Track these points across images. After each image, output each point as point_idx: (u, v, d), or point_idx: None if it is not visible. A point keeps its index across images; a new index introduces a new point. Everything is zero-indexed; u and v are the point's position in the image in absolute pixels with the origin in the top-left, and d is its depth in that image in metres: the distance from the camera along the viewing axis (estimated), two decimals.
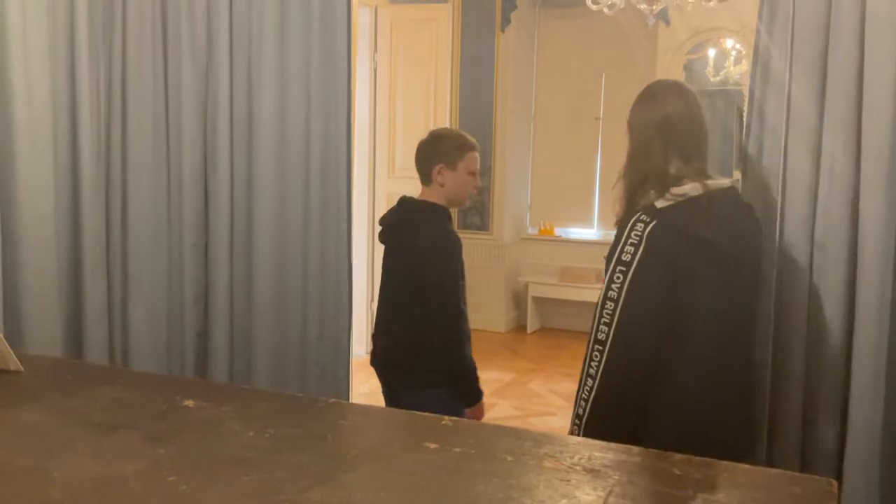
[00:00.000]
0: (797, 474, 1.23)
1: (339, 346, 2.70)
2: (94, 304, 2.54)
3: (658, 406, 1.75)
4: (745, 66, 5.69)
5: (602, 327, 1.73)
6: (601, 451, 1.30)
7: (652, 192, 1.85)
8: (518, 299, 6.92)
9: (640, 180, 1.89)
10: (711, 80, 6.03)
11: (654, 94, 1.97)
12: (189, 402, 1.51)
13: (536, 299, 6.79)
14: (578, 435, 1.73)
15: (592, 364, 1.74)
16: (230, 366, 2.68)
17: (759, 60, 2.07)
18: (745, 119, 2.14)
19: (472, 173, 2.46)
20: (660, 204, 1.81)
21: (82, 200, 2.54)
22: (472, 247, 6.73)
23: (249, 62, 2.65)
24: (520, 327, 6.87)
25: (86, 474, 1.18)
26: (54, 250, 2.47)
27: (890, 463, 1.87)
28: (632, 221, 1.81)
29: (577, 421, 1.78)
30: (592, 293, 6.41)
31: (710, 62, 6.05)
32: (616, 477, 1.20)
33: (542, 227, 6.99)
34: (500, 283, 6.74)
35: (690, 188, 1.81)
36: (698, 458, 1.25)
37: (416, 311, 2.35)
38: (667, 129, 1.88)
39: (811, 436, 1.99)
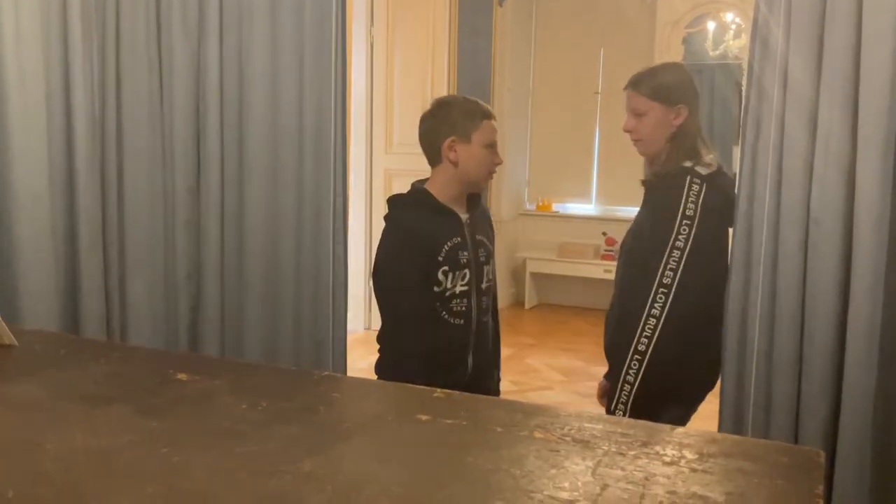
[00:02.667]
0: (786, 444, 1.24)
1: (336, 321, 2.70)
2: (90, 281, 2.54)
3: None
4: (744, 39, 5.64)
5: (668, 272, 2.01)
6: (591, 423, 1.31)
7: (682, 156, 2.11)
8: (516, 275, 6.93)
9: (682, 143, 2.12)
10: (710, 54, 5.99)
11: (677, 63, 2.31)
12: (182, 376, 1.52)
13: (535, 275, 6.80)
14: (639, 371, 2.02)
15: (656, 305, 2.01)
16: (221, 341, 2.69)
17: (758, 34, 2.05)
18: (743, 93, 2.14)
19: (491, 146, 2.13)
20: (703, 171, 2.08)
21: (77, 178, 2.53)
22: None
23: (240, 37, 2.63)
24: (518, 303, 6.88)
25: (79, 447, 1.19)
26: (49, 228, 2.47)
27: (882, 433, 1.88)
28: (688, 181, 2.05)
29: (637, 356, 2.02)
30: (591, 269, 6.48)
31: (710, 36, 6.00)
32: (605, 447, 1.21)
33: (540, 203, 6.99)
34: (498, 259, 6.70)
35: (713, 158, 2.13)
36: (688, 429, 1.26)
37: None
38: (696, 97, 2.21)
39: (806, 408, 1.99)
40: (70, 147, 2.52)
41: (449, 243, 2.09)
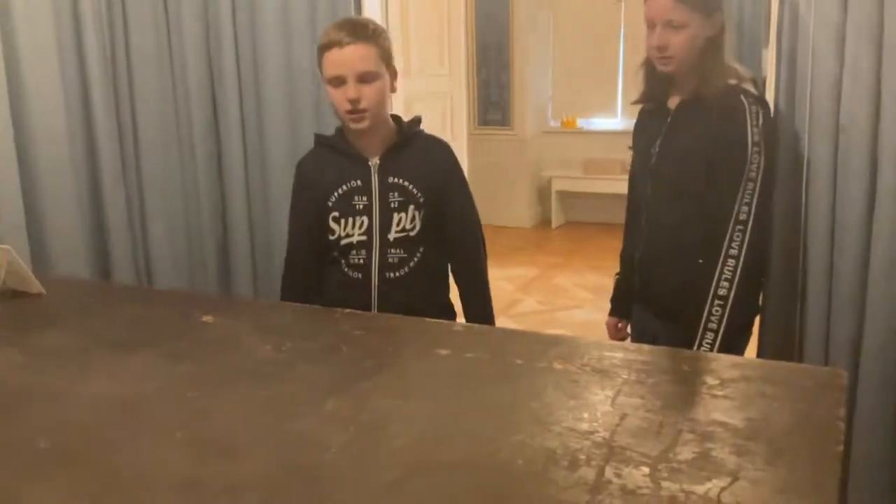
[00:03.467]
0: (806, 366, 1.23)
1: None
2: (115, 223, 2.57)
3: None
4: None
5: (744, 207, 1.84)
6: (610, 351, 1.31)
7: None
8: (542, 194, 6.88)
9: (719, 59, 1.90)
10: None
11: None
12: (208, 318, 1.54)
13: (560, 193, 6.75)
14: (722, 316, 1.83)
15: (734, 245, 1.84)
16: (253, 279, 2.72)
17: None
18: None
19: (337, 80, 1.82)
20: (752, 90, 1.89)
21: (94, 117, 2.54)
22: (494, 143, 6.65)
23: None
24: (544, 222, 6.86)
25: (107, 394, 1.22)
26: (71, 168, 2.48)
27: None
28: (747, 104, 1.85)
29: (718, 301, 1.85)
30: (617, 185, 6.38)
31: None
32: (625, 376, 1.21)
33: (564, 120, 6.87)
34: (523, 178, 6.69)
35: (749, 73, 1.94)
36: (707, 354, 1.26)
37: None
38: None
39: (834, 323, 1.98)
40: (84, 87, 2.52)
41: (344, 187, 1.91)
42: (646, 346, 1.32)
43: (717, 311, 1.85)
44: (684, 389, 1.17)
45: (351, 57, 1.81)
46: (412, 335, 1.50)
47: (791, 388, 1.17)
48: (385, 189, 1.92)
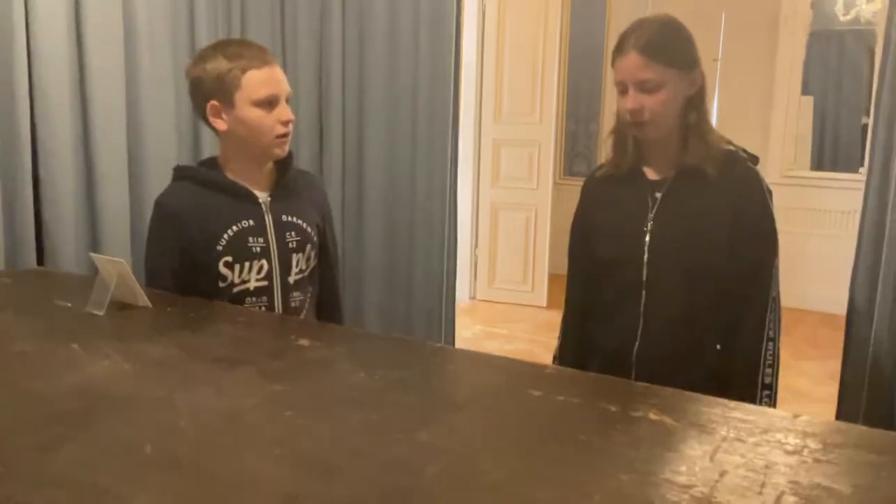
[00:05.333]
0: None
1: (447, 289, 2.75)
2: None
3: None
4: (878, 3, 5.29)
5: (775, 285, 1.70)
6: (708, 406, 1.28)
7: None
8: None
9: (703, 119, 1.72)
10: (841, 18, 5.64)
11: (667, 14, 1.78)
12: (304, 342, 1.58)
13: None
14: (772, 403, 1.69)
15: (771, 326, 1.68)
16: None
17: None
18: (878, 61, 2.01)
19: (267, 101, 1.71)
20: (738, 150, 1.72)
21: (202, 152, 2.66)
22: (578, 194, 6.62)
23: (360, 7, 2.68)
24: None
25: (209, 406, 1.26)
26: None
27: None
28: (756, 174, 1.70)
29: (766, 391, 1.70)
30: None
31: (840, 0, 5.65)
32: (723, 433, 1.18)
33: None
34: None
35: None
36: (811, 418, 1.22)
37: None
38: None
39: None
40: (195, 120, 2.64)
41: (234, 228, 1.75)
42: (743, 405, 1.29)
43: (765, 401, 1.70)
44: (786, 451, 1.13)
45: (282, 76, 1.74)
46: (503, 373, 1.50)
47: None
48: (281, 229, 1.80)
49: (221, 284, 1.77)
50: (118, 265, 1.73)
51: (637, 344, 1.77)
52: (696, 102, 1.69)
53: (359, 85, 2.74)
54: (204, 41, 2.60)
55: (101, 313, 1.69)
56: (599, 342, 1.85)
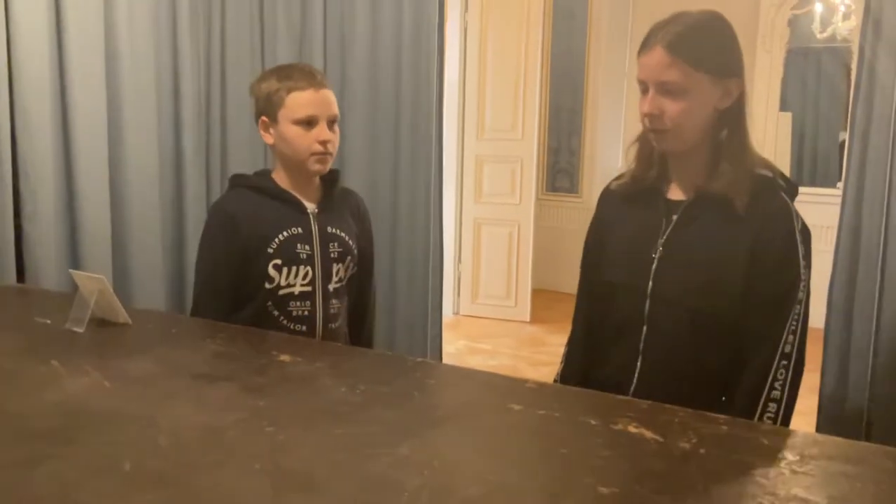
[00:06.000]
0: (890, 448, 1.20)
1: (432, 304, 2.75)
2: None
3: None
4: (854, 21, 5.39)
5: (789, 337, 1.47)
6: (694, 420, 1.29)
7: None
8: None
9: (738, 138, 1.51)
10: (818, 36, 5.73)
11: (717, 13, 1.58)
12: (285, 357, 1.58)
13: None
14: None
15: (776, 385, 1.46)
16: None
17: (870, 15, 1.97)
18: (853, 77, 2.04)
19: (307, 121, 1.83)
20: (776, 177, 1.51)
21: (184, 161, 2.66)
22: (562, 210, 6.67)
23: (342, 23, 2.69)
24: None
25: (190, 423, 1.25)
26: (159, 215, 2.60)
27: None
28: (793, 210, 1.48)
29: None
30: None
31: (817, 18, 5.74)
32: (703, 445, 1.19)
33: None
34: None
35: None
36: (788, 430, 1.24)
37: None
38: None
39: None
40: (178, 130, 2.65)
41: (284, 233, 1.86)
42: (722, 417, 1.30)
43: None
44: (764, 462, 1.14)
45: (326, 99, 1.86)
46: (484, 388, 1.51)
47: (874, 468, 1.14)
48: (325, 239, 1.91)
49: (268, 286, 1.86)
50: (98, 282, 1.73)
51: (633, 385, 1.58)
52: (729, 118, 1.48)
53: (341, 103, 2.75)
54: (186, 57, 2.60)
55: (81, 330, 1.68)
56: (596, 375, 1.66)
